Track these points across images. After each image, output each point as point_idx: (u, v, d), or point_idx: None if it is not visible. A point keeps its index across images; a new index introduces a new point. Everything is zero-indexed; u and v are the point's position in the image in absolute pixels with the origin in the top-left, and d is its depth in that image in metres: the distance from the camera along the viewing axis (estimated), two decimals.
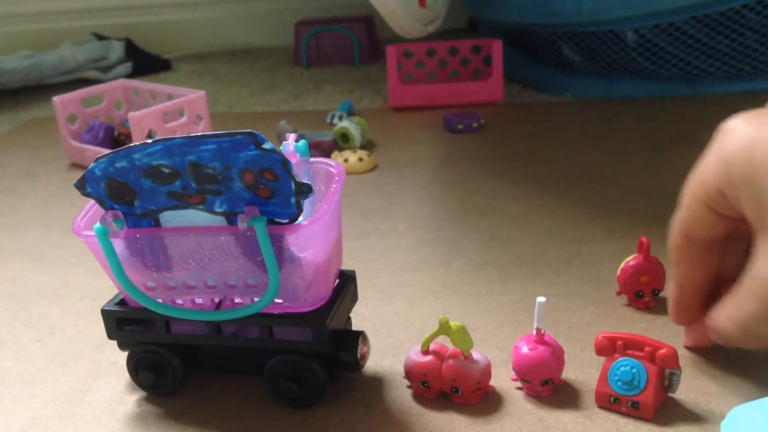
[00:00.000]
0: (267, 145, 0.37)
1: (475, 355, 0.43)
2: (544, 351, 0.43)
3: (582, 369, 0.46)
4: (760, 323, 0.37)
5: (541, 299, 0.42)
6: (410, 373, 0.44)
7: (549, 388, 0.43)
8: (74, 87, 1.12)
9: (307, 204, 0.40)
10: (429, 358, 0.44)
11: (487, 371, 0.43)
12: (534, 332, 0.43)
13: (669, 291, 0.44)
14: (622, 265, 0.52)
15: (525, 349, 0.43)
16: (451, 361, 0.43)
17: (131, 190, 0.40)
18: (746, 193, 0.35)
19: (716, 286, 0.43)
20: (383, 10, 1.05)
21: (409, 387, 0.45)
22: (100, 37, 1.53)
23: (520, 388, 0.44)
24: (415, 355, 0.44)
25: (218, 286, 0.43)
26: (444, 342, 0.44)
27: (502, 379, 0.45)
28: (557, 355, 0.43)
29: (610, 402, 0.42)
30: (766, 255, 0.35)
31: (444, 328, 0.43)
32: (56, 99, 0.93)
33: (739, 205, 0.36)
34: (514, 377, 0.44)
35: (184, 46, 1.67)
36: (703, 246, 0.41)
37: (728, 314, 0.39)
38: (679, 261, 0.42)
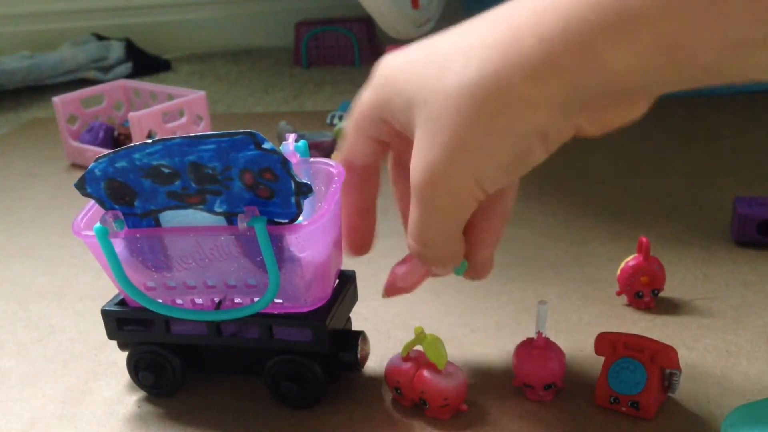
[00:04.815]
0: (267, 145, 0.37)
1: (451, 369, 0.42)
2: (546, 355, 0.42)
3: (582, 369, 0.46)
4: (427, 228, 0.37)
5: (543, 304, 0.42)
6: (386, 378, 0.44)
7: (551, 392, 0.43)
8: (74, 87, 1.12)
9: (307, 204, 0.40)
10: (407, 365, 0.43)
11: (458, 388, 0.42)
12: (536, 336, 0.43)
13: (342, 222, 0.44)
14: (622, 265, 0.52)
15: (527, 354, 0.43)
16: (424, 372, 0.42)
17: (131, 190, 0.40)
18: (398, 105, 0.36)
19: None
20: (374, 11, 1.05)
21: None
22: (100, 38, 1.53)
23: (522, 393, 0.44)
24: (395, 361, 0.44)
25: (218, 286, 0.43)
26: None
27: (503, 379, 0.45)
28: (559, 359, 0.43)
29: (610, 402, 0.42)
30: (415, 155, 0.35)
31: (419, 338, 0.42)
32: (56, 99, 0.93)
33: (399, 124, 0.37)
34: (516, 381, 0.44)
35: (184, 47, 1.67)
36: (365, 173, 0.42)
37: (409, 230, 0.39)
38: (345, 189, 0.43)
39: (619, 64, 0.28)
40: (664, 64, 0.28)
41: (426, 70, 0.34)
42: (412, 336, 0.43)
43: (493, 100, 0.31)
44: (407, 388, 0.43)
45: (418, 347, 0.44)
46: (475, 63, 0.32)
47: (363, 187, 0.43)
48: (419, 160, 0.35)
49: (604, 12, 0.27)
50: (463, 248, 0.39)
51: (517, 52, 0.30)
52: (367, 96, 0.38)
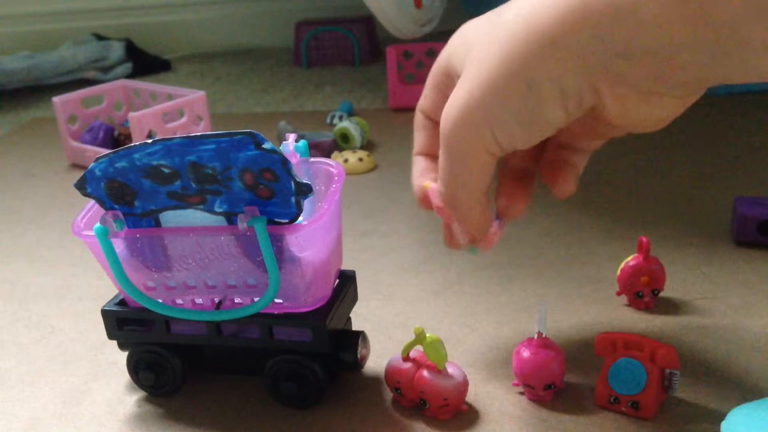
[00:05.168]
0: (267, 145, 0.37)
1: (452, 370, 0.42)
2: (546, 355, 0.42)
3: (582, 369, 0.46)
4: (449, 174, 0.37)
5: (543, 304, 0.42)
6: (386, 378, 0.44)
7: (551, 392, 0.43)
8: (74, 87, 1.12)
9: (307, 204, 0.40)
10: (407, 365, 0.43)
11: (458, 389, 0.42)
12: (536, 336, 0.43)
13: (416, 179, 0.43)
14: (622, 265, 0.52)
15: (527, 354, 0.43)
16: (424, 373, 0.42)
17: (131, 190, 0.40)
18: (460, 54, 0.36)
19: None
20: (377, 10, 1.05)
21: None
22: (100, 38, 1.53)
23: (521, 393, 0.44)
24: (395, 361, 0.44)
25: (218, 286, 0.43)
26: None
27: (503, 379, 0.45)
28: (559, 359, 0.43)
29: (610, 402, 0.42)
30: (461, 86, 0.35)
31: (419, 339, 0.42)
32: (56, 99, 0.93)
33: (457, 74, 0.37)
34: (516, 382, 0.44)
35: (184, 47, 1.67)
36: (435, 123, 0.42)
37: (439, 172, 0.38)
38: (418, 131, 0.43)
39: (647, 14, 0.28)
40: (689, 19, 0.27)
41: (485, 21, 0.35)
42: (412, 336, 0.43)
43: (521, 39, 0.31)
44: (407, 389, 0.43)
45: (418, 347, 0.44)
46: (517, 7, 0.32)
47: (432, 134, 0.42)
48: (453, 97, 0.35)
49: None
50: (485, 209, 0.38)
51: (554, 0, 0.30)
52: (442, 50, 0.39)
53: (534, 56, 0.31)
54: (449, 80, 0.38)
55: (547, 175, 0.40)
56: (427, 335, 0.42)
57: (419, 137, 0.43)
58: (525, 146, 0.34)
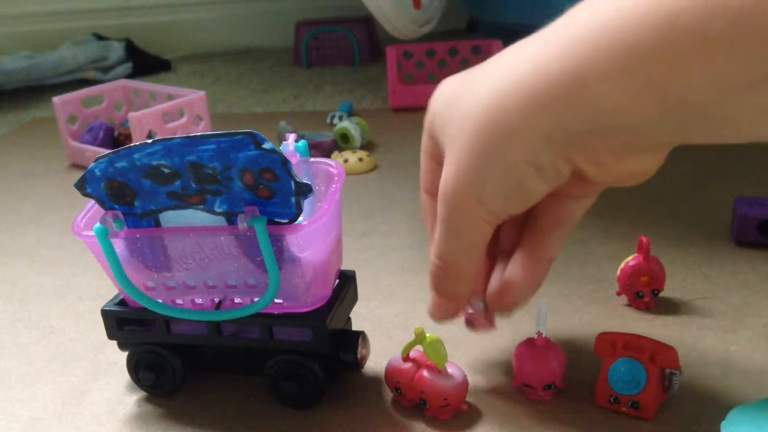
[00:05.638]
0: (267, 145, 0.37)
1: (452, 370, 0.42)
2: (546, 355, 0.42)
3: (582, 369, 0.46)
4: (443, 244, 0.38)
5: (543, 303, 0.42)
6: (386, 378, 0.44)
7: (551, 392, 0.43)
8: (74, 87, 1.12)
9: (307, 204, 0.40)
10: (407, 365, 0.43)
11: (458, 389, 0.42)
12: (536, 336, 0.43)
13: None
14: (622, 265, 0.52)
15: (527, 354, 0.43)
16: (424, 373, 0.42)
17: (131, 191, 0.40)
18: (439, 126, 0.37)
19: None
20: (376, 11, 1.05)
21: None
22: (100, 38, 1.53)
23: (521, 393, 0.44)
24: (395, 361, 0.44)
25: (218, 286, 0.43)
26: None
27: (503, 379, 0.45)
28: (559, 359, 0.43)
29: (610, 402, 0.42)
30: (446, 169, 0.36)
31: (418, 339, 0.42)
32: (56, 99, 0.93)
33: (440, 144, 0.38)
34: (516, 382, 0.44)
35: (184, 47, 1.67)
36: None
37: (433, 246, 0.39)
38: (427, 218, 0.43)
39: (607, 100, 0.28)
40: (652, 103, 0.27)
41: (457, 94, 0.36)
42: (412, 336, 0.43)
43: (489, 126, 0.32)
44: (407, 389, 0.43)
45: (418, 347, 0.44)
46: (486, 89, 0.33)
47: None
48: (442, 178, 0.36)
49: (599, 45, 0.28)
50: (473, 275, 0.39)
51: (515, 81, 0.31)
52: (427, 112, 0.40)
53: (502, 144, 0.32)
54: (435, 147, 0.39)
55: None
56: (427, 335, 0.42)
57: (430, 221, 0.43)
58: (518, 212, 0.36)
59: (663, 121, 0.28)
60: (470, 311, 0.43)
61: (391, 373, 0.44)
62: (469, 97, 0.34)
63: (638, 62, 0.27)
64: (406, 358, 0.43)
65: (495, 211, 0.35)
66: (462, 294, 0.40)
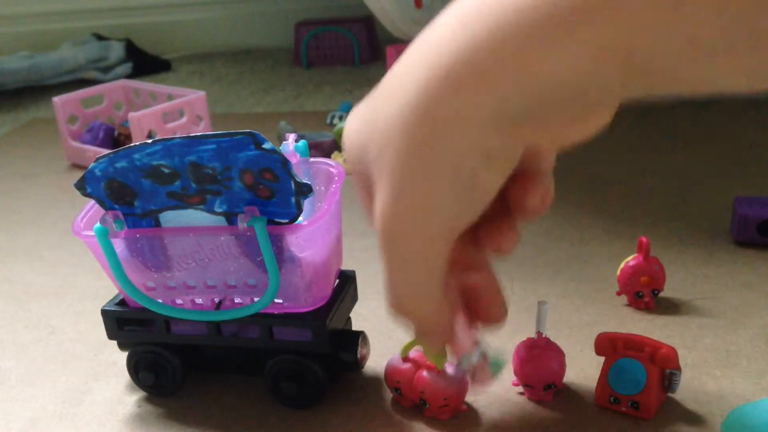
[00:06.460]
0: (267, 145, 0.37)
1: (451, 370, 0.42)
2: (546, 355, 0.42)
3: (582, 369, 0.46)
4: (395, 285, 0.32)
5: (543, 304, 0.42)
6: (386, 378, 0.44)
7: (551, 392, 0.43)
8: (74, 87, 1.12)
9: (307, 204, 0.40)
10: (406, 365, 0.43)
11: (458, 389, 0.42)
12: (536, 336, 0.43)
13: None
14: (622, 265, 0.52)
15: (527, 354, 0.43)
16: (423, 373, 0.42)
17: (131, 191, 0.40)
18: (358, 153, 0.33)
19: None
20: (378, 11, 1.05)
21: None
22: (100, 38, 1.53)
23: (521, 393, 0.44)
24: (395, 361, 0.44)
25: (218, 286, 0.43)
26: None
27: (503, 380, 0.45)
28: (559, 360, 0.43)
29: (610, 402, 0.42)
30: (378, 199, 0.31)
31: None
32: (56, 99, 0.93)
33: (368, 176, 0.32)
34: (516, 382, 0.44)
35: (184, 47, 1.67)
36: None
37: (386, 293, 0.33)
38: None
39: (555, 70, 0.25)
40: (614, 68, 0.25)
41: (370, 112, 0.32)
42: (412, 336, 0.43)
43: (420, 128, 0.28)
44: (407, 389, 0.43)
45: (418, 348, 0.44)
46: (399, 92, 0.29)
47: None
48: (375, 207, 0.31)
49: (533, 14, 0.25)
50: (447, 311, 0.34)
51: (441, 67, 0.27)
52: (346, 155, 0.35)
53: (441, 140, 0.28)
54: (367, 182, 0.33)
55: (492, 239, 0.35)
56: None
57: None
58: (474, 217, 0.31)
59: (627, 84, 0.26)
60: (464, 368, 0.38)
61: (390, 373, 0.44)
62: (387, 106, 0.30)
63: (587, 25, 0.24)
64: (405, 359, 0.43)
65: (449, 223, 0.30)
66: (439, 326, 0.34)
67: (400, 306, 0.33)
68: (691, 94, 0.27)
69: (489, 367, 0.38)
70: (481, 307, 0.36)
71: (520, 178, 0.34)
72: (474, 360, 0.37)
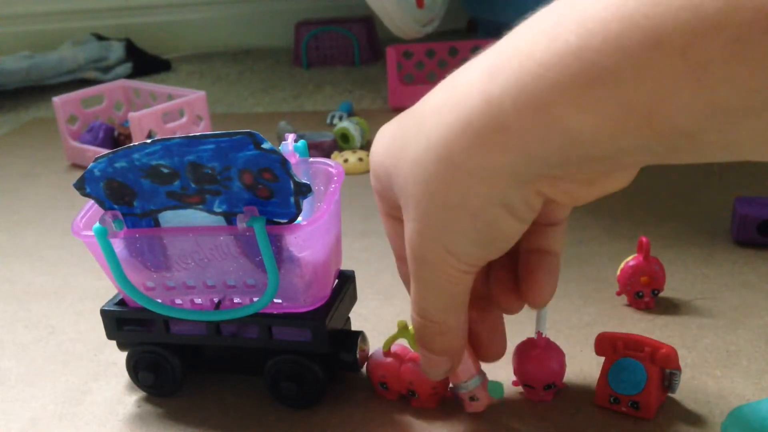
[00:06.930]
0: (266, 145, 0.37)
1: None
2: (546, 355, 0.42)
3: (582, 369, 0.46)
4: (421, 299, 0.35)
5: None
6: (370, 373, 0.44)
7: (551, 392, 0.43)
8: (74, 87, 1.12)
9: (306, 204, 0.40)
10: (389, 360, 0.44)
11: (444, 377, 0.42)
12: (536, 336, 0.43)
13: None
14: (622, 265, 0.52)
15: (527, 354, 0.43)
16: (409, 364, 0.43)
17: (130, 191, 0.40)
18: (384, 180, 0.35)
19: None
20: (379, 10, 1.05)
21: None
22: (100, 38, 1.53)
23: (521, 393, 0.44)
24: (377, 356, 0.44)
25: (217, 286, 0.43)
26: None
27: (503, 380, 0.45)
28: (559, 360, 0.43)
29: (610, 402, 0.42)
30: (407, 226, 0.33)
31: (402, 332, 0.43)
32: (56, 99, 0.93)
33: (393, 200, 0.35)
34: (516, 382, 0.44)
35: (184, 47, 1.67)
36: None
37: (412, 303, 0.36)
38: (406, 284, 0.40)
39: (582, 129, 0.25)
40: (635, 129, 0.24)
41: (398, 141, 0.33)
42: (395, 330, 0.43)
43: (442, 173, 0.29)
44: (394, 382, 0.43)
45: (400, 341, 0.44)
46: (426, 131, 0.30)
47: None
48: (405, 234, 0.33)
49: (564, 70, 0.24)
50: (462, 327, 0.36)
51: (465, 117, 0.28)
52: (371, 173, 0.37)
53: (461, 189, 0.29)
54: (390, 205, 0.36)
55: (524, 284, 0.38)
56: (410, 328, 0.42)
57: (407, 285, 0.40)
58: (496, 256, 0.33)
59: (649, 146, 0.25)
60: (465, 392, 0.41)
61: (375, 368, 0.44)
62: (414, 141, 0.31)
63: (616, 85, 0.24)
64: (387, 353, 0.44)
65: (470, 261, 0.32)
66: (454, 347, 0.37)
67: (424, 314, 0.36)
68: (718, 160, 0.27)
69: (487, 392, 0.41)
70: (481, 343, 0.40)
71: (534, 227, 0.35)
72: (471, 386, 0.41)
